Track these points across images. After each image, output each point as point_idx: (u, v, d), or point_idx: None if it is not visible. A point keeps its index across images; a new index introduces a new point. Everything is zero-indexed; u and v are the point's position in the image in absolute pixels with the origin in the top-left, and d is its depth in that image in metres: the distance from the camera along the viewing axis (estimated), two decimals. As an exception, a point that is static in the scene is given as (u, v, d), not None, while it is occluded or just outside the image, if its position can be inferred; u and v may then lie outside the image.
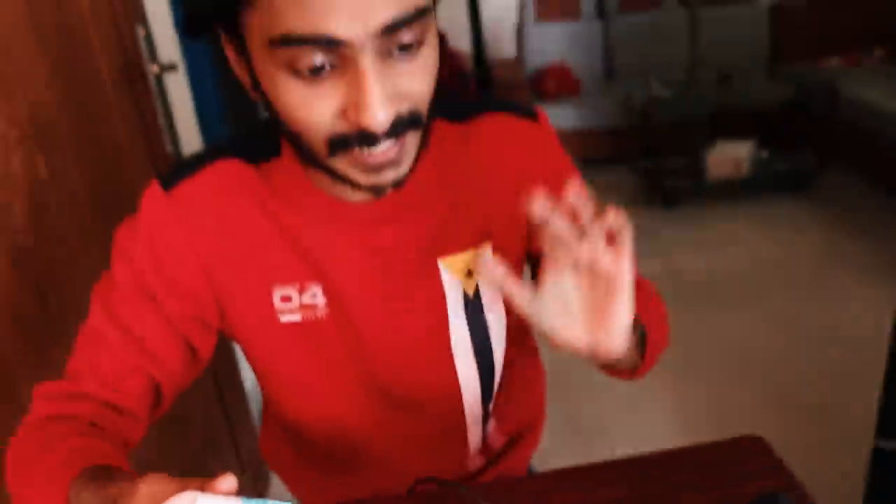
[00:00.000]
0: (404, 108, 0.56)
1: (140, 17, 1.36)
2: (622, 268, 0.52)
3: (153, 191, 0.68)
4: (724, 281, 2.91)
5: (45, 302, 1.02)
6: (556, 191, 0.70)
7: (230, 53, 0.60)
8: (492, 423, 0.86)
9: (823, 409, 2.03)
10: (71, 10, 1.15)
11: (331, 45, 0.51)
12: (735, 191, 3.58)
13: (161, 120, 1.40)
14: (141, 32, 1.34)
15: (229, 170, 0.68)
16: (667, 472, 0.69)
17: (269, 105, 0.59)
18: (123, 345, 0.67)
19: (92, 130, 1.19)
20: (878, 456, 1.09)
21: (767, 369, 2.27)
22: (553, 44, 4.48)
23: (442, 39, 4.63)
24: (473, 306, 0.75)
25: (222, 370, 1.66)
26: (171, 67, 1.42)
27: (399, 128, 0.56)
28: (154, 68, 1.36)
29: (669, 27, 4.49)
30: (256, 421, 1.92)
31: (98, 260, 1.16)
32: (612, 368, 0.70)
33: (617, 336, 0.55)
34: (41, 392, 0.68)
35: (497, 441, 0.87)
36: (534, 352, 0.93)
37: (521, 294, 0.54)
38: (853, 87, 3.54)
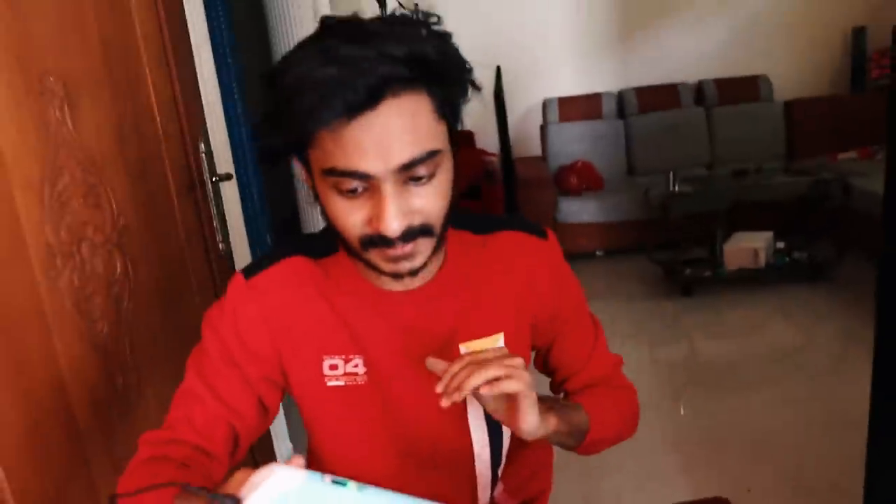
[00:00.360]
0: (416, 221, 0.74)
1: (204, 135, 1.59)
2: (521, 400, 0.75)
3: (237, 280, 0.88)
4: (742, 367, 2.98)
5: (114, 383, 1.19)
6: (558, 298, 0.93)
7: (302, 174, 0.81)
8: (500, 487, 0.98)
9: (837, 491, 2.07)
10: (149, 134, 1.37)
11: (362, 177, 0.71)
12: (753, 280, 3.69)
13: (216, 222, 1.60)
14: (202, 148, 1.56)
15: (295, 265, 0.88)
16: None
17: (323, 212, 0.78)
18: (212, 401, 0.85)
19: (159, 232, 1.38)
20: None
21: (783, 452, 2.32)
22: (576, 142, 4.72)
23: (471, 139, 4.91)
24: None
25: (257, 445, 1.79)
26: (227, 177, 1.63)
27: (409, 235, 0.74)
28: (212, 178, 1.57)
29: (687, 125, 4.71)
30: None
31: (161, 346, 1.35)
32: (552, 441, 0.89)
33: (526, 432, 0.78)
34: (145, 438, 0.85)
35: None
36: None
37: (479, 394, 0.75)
38: (867, 180, 3.67)
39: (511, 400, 0.77)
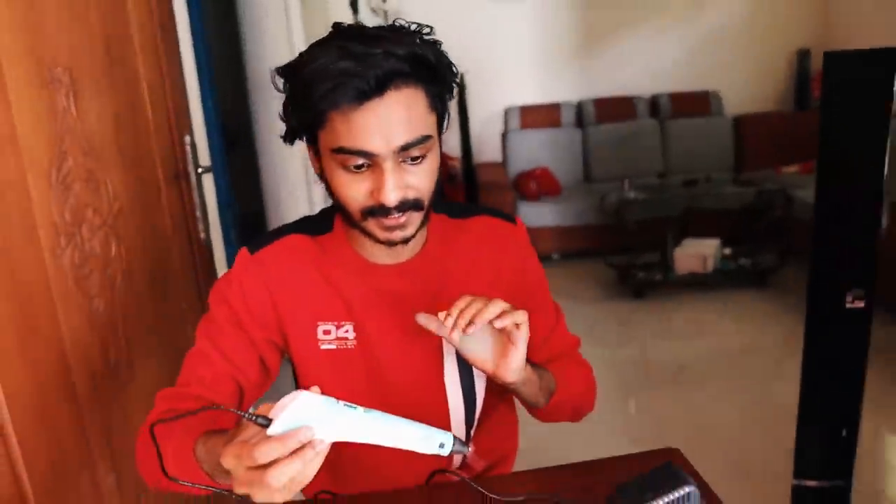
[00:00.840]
0: (410, 195, 0.86)
1: (189, 128, 1.66)
2: (518, 333, 0.84)
3: (243, 253, 0.98)
4: (690, 366, 3.15)
5: (107, 357, 1.25)
6: (523, 276, 1.03)
7: (310, 155, 0.92)
8: (472, 449, 1.08)
9: (773, 475, 2.22)
10: (141, 125, 1.44)
11: (367, 155, 0.82)
12: (701, 285, 3.88)
13: (199, 212, 1.67)
14: (188, 140, 1.63)
15: (295, 241, 0.99)
16: (603, 466, 0.91)
17: (328, 187, 0.89)
18: (220, 360, 0.94)
19: (148, 219, 1.45)
20: (795, 491, 1.31)
21: (726, 442, 2.47)
22: (535, 149, 4.87)
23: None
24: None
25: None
26: (209, 169, 1.70)
27: (404, 207, 0.86)
28: (197, 170, 1.64)
29: (642, 136, 4.91)
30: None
31: (148, 325, 1.41)
32: (517, 395, 0.98)
33: (511, 372, 0.87)
34: (162, 395, 0.95)
35: (477, 464, 1.10)
36: (510, 399, 1.18)
37: (452, 337, 0.84)
38: (807, 192, 3.90)
39: (502, 343, 0.87)
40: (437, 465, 1.00)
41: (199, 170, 1.64)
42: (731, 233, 4.14)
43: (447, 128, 0.92)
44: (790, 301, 3.66)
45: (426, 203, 0.89)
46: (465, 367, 1.02)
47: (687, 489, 0.70)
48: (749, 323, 3.55)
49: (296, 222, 1.03)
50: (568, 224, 4.46)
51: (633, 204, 4.02)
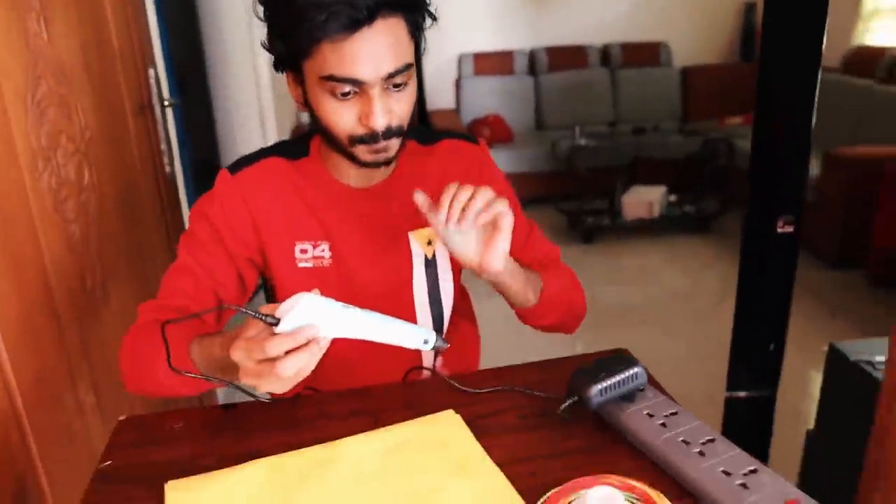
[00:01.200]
0: (395, 122, 0.91)
1: (151, 61, 1.67)
2: (503, 219, 0.87)
3: (224, 174, 1.01)
4: (636, 307, 3.31)
5: (84, 282, 1.29)
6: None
7: (290, 83, 0.95)
8: (440, 360, 1.17)
9: (711, 401, 2.40)
10: (108, 54, 1.45)
11: (356, 83, 0.87)
12: (648, 230, 4.04)
13: (164, 145, 1.69)
14: (152, 74, 1.64)
15: (274, 164, 1.03)
16: (560, 363, 1.00)
17: (313, 115, 0.93)
18: (202, 273, 0.99)
19: (117, 149, 1.47)
20: (727, 403, 1.45)
21: (671, 374, 2.61)
22: (488, 96, 4.92)
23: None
24: (430, 265, 1.09)
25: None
26: (173, 103, 1.72)
27: (389, 133, 0.91)
28: (161, 102, 1.66)
29: (593, 85, 5.00)
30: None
31: (120, 252, 1.45)
32: (505, 293, 1.01)
33: (497, 259, 0.90)
34: (144, 307, 0.99)
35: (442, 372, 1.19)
36: (472, 318, 1.26)
37: (438, 225, 0.88)
38: (749, 143, 4.05)
39: (486, 234, 0.91)
40: (411, 365, 1.09)
41: (165, 102, 1.66)
42: (677, 180, 4.30)
43: (424, 54, 0.97)
44: (731, 246, 3.85)
45: (405, 128, 0.94)
46: (433, 282, 1.10)
47: (635, 369, 0.80)
48: (692, 266, 3.73)
49: (274, 146, 1.07)
50: (520, 171, 4.55)
51: (584, 151, 4.13)
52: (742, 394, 1.44)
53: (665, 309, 3.25)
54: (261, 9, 0.91)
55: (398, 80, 0.89)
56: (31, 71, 1.14)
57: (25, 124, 1.11)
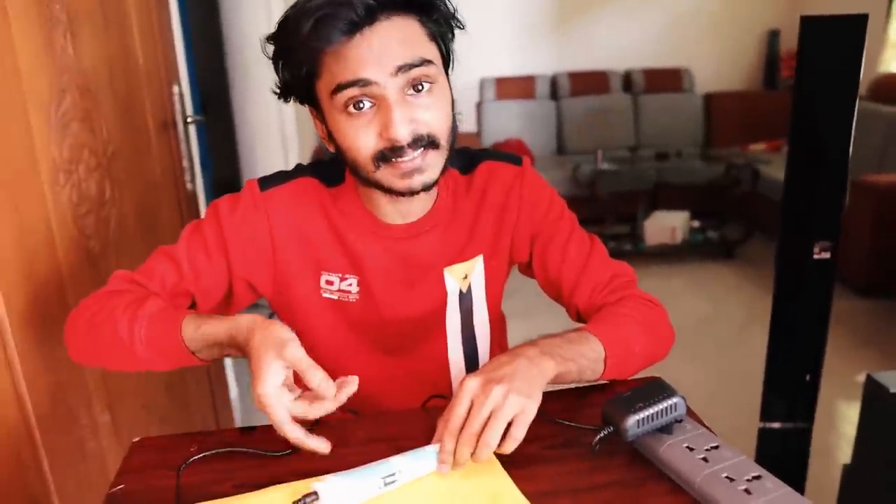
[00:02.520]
0: (423, 130, 0.83)
1: (175, 77, 1.66)
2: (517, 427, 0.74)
3: (252, 186, 0.94)
4: (659, 333, 3.24)
5: (101, 297, 1.27)
6: (533, 212, 1.01)
7: (314, 118, 0.91)
8: None
9: (736, 430, 2.33)
10: (132, 70, 1.45)
11: (364, 84, 0.80)
12: (670, 256, 3.98)
13: (186, 162, 1.68)
14: (176, 90, 1.63)
15: (308, 185, 0.96)
16: (590, 392, 0.95)
17: (337, 146, 0.87)
18: (189, 272, 0.93)
19: (140, 165, 1.46)
20: (761, 434, 1.39)
21: (692, 400, 2.55)
22: (510, 120, 4.91)
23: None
24: (464, 299, 1.03)
25: (214, 365, 1.89)
26: (196, 120, 1.71)
27: (419, 143, 0.82)
28: (185, 119, 1.65)
29: (615, 110, 4.98)
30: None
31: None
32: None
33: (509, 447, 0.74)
34: (117, 275, 0.94)
35: None
36: (504, 346, 1.20)
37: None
38: (773, 169, 4.01)
39: None
40: (432, 392, 1.04)
41: (188, 119, 1.65)
42: (700, 206, 4.25)
43: (453, 67, 0.90)
44: (755, 272, 3.79)
45: (443, 142, 0.85)
46: (467, 316, 1.04)
47: (674, 399, 0.75)
48: (715, 293, 3.66)
49: (311, 165, 0.99)
50: (541, 195, 4.50)
51: (606, 176, 4.09)
52: (776, 425, 1.38)
53: (688, 335, 3.19)
54: (269, 51, 0.86)
55: (415, 74, 0.81)
56: (56, 84, 1.13)
57: (48, 137, 1.10)
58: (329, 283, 0.97)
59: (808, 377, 1.32)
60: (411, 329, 1.02)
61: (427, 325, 1.03)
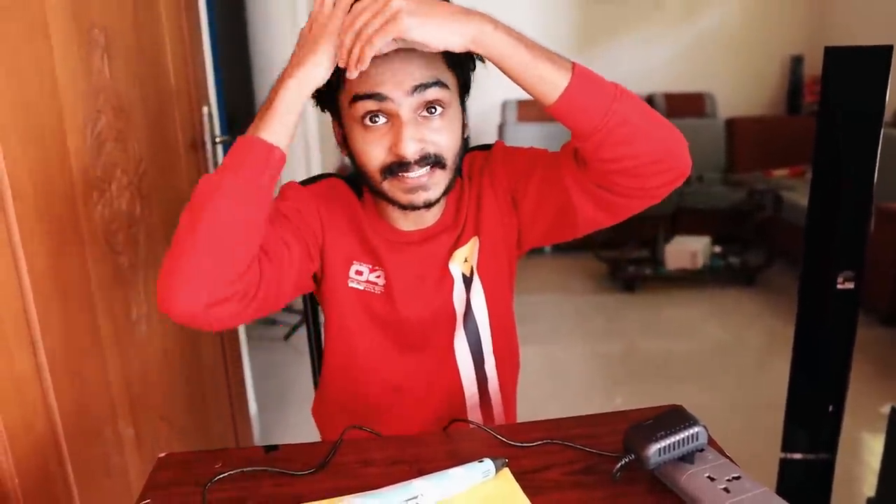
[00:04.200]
0: (431, 150, 0.88)
1: (206, 99, 1.70)
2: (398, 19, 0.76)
3: (291, 183, 1.01)
4: (677, 360, 3.21)
5: (129, 310, 1.30)
6: (516, 175, 1.02)
7: (334, 126, 0.97)
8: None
9: (757, 459, 2.30)
10: (164, 90, 1.48)
11: (381, 99, 0.86)
12: (691, 281, 3.96)
13: (213, 181, 1.71)
14: (206, 111, 1.67)
15: (339, 185, 1.04)
16: (611, 417, 0.95)
17: (350, 153, 0.93)
18: (295, 224, 0.95)
19: (169, 184, 1.49)
20: (783, 465, 1.38)
21: (712, 430, 2.54)
22: (532, 142, 4.87)
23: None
24: (467, 284, 1.06)
25: (234, 380, 1.91)
26: (224, 140, 1.75)
27: (426, 162, 0.88)
28: (213, 140, 1.69)
29: (636, 134, 4.96)
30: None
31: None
32: (518, 80, 0.85)
33: (433, 38, 0.77)
34: None
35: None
36: (514, 346, 1.20)
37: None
38: (796, 195, 3.99)
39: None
40: (453, 415, 1.05)
41: (216, 139, 1.68)
42: (721, 232, 4.22)
43: (468, 95, 0.95)
44: (777, 300, 3.75)
45: (449, 162, 0.91)
46: (468, 299, 1.07)
47: (696, 429, 0.76)
48: (736, 320, 3.63)
49: (336, 174, 1.08)
50: (561, 218, 4.50)
51: (627, 200, 4.07)
52: (798, 456, 1.37)
53: (707, 364, 3.16)
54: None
55: (430, 96, 0.86)
56: (92, 105, 1.16)
57: (84, 157, 1.13)
58: (359, 273, 1.03)
59: (831, 408, 1.31)
60: (426, 326, 1.06)
61: (439, 322, 1.07)
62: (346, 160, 0.99)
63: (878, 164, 1.23)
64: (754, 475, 0.74)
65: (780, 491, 1.42)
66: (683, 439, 0.75)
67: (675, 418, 0.77)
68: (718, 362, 3.16)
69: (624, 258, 4.04)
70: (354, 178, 1.04)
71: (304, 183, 1.04)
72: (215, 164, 1.73)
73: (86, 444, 1.11)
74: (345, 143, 0.95)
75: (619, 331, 3.57)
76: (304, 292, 1.07)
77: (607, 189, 0.90)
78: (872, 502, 1.48)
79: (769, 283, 3.97)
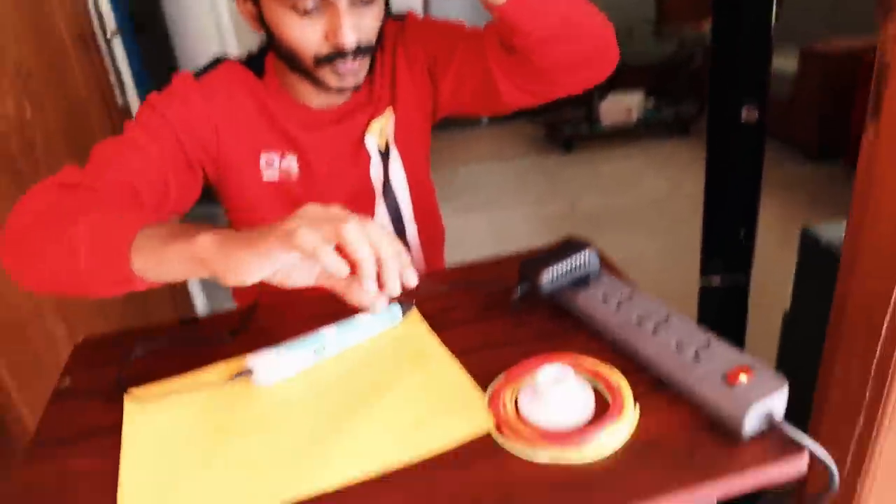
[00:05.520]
0: (364, 39, 0.87)
1: (90, -9, 1.59)
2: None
3: (185, 75, 0.93)
4: (619, 213, 3.30)
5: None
6: (433, 46, 1.01)
7: (244, 6, 0.89)
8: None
9: (690, 293, 2.43)
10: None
11: None
12: (627, 136, 4.00)
13: (112, 77, 1.64)
14: (90, 2, 1.57)
15: (237, 70, 0.97)
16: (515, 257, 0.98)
17: (270, 34, 0.89)
18: (155, 156, 0.85)
19: (61, 84, 1.42)
20: (702, 292, 1.47)
21: (651, 270, 2.66)
22: (458, 8, 4.77)
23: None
24: (384, 158, 1.06)
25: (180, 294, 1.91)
26: (116, 34, 1.66)
27: (358, 51, 0.87)
28: (105, 34, 1.60)
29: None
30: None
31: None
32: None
33: None
34: (69, 171, 0.82)
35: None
36: (436, 215, 1.23)
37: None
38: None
39: None
40: None
41: (108, 34, 1.60)
42: (654, 85, 4.23)
43: None
44: (709, 146, 3.82)
45: (373, 48, 0.91)
46: (386, 175, 1.07)
47: (587, 252, 0.79)
48: (672, 170, 3.71)
49: (234, 58, 0.99)
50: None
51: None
52: (716, 281, 1.44)
53: (646, 214, 3.25)
54: None
55: None
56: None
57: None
58: (269, 162, 0.99)
59: (742, 233, 1.37)
60: (349, 204, 1.04)
61: (359, 197, 1.07)
62: (250, 23, 0.93)
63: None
64: (684, 307, 0.78)
65: (701, 318, 1.51)
66: (575, 264, 0.78)
67: (567, 247, 0.80)
68: (656, 211, 3.26)
69: (560, 119, 4.04)
70: (252, 58, 0.99)
71: (200, 73, 0.95)
72: (112, 59, 1.65)
73: (14, 344, 1.11)
74: (260, 20, 0.89)
75: (559, 191, 3.62)
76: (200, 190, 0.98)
77: (534, 79, 0.93)
78: (786, 316, 1.58)
79: (702, 133, 4.01)
